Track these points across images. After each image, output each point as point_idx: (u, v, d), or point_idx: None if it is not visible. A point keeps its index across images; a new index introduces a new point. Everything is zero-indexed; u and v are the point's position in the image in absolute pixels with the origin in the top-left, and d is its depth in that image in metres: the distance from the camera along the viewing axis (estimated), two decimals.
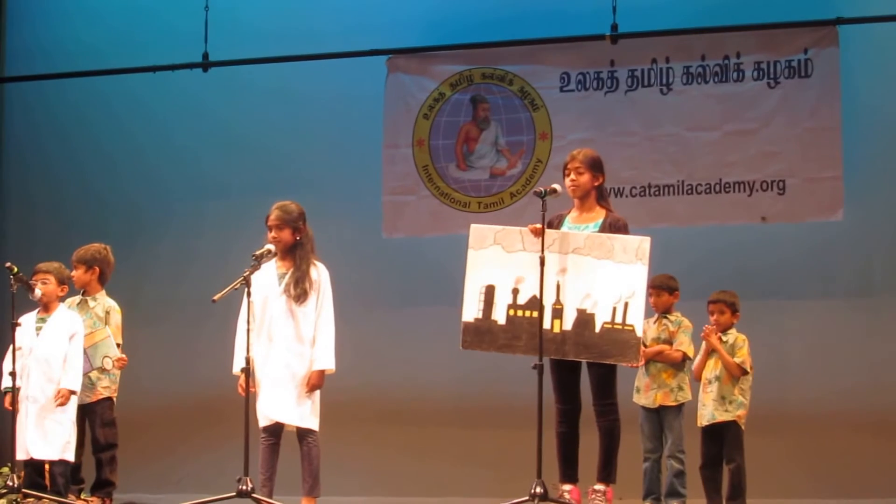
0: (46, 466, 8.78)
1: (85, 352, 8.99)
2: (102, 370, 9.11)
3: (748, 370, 8.75)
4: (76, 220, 11.70)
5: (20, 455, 8.64)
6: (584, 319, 7.53)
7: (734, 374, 8.69)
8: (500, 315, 7.70)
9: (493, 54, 11.13)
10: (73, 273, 9.26)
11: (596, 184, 7.89)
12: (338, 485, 9.46)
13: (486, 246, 7.84)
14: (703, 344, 8.85)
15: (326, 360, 8.26)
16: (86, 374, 8.99)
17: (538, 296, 7.52)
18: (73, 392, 8.72)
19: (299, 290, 8.25)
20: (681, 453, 8.80)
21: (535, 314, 7.56)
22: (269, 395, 8.22)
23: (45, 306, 8.89)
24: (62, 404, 8.66)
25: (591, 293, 7.53)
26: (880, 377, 10.22)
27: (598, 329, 7.50)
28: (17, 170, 12.28)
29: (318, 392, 8.29)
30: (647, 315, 8.59)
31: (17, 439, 8.62)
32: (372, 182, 11.18)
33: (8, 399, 8.71)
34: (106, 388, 9.13)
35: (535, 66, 11.01)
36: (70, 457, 8.70)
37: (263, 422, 8.25)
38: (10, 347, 8.68)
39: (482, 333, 7.74)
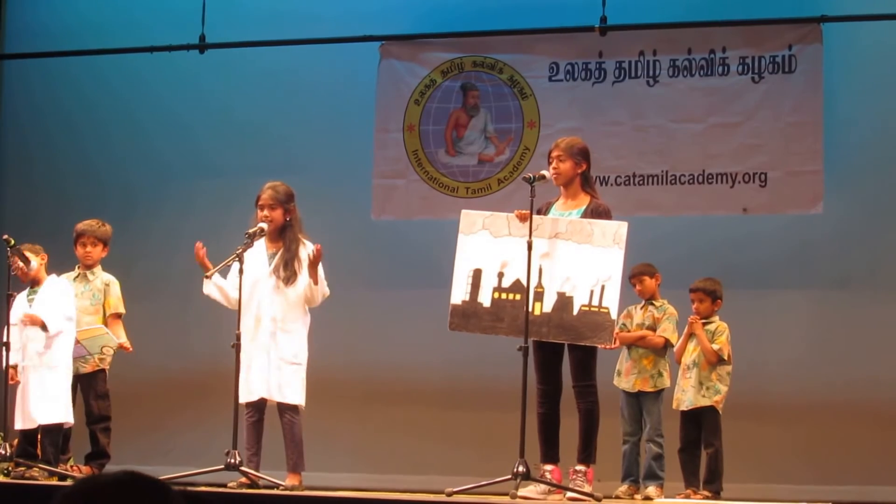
0: (38, 437, 8.89)
1: (80, 343, 9.11)
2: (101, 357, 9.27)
3: (725, 358, 8.92)
4: (74, 195, 11.73)
5: (26, 424, 8.69)
6: (564, 302, 7.66)
7: (710, 360, 8.85)
8: (485, 298, 7.84)
9: (484, 43, 11.18)
10: (91, 250, 9.37)
11: (579, 171, 8.00)
12: (324, 461, 9.62)
13: (475, 231, 7.98)
14: (686, 328, 9.04)
15: (321, 279, 8.41)
16: (81, 357, 9.14)
17: (521, 279, 7.69)
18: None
19: (289, 271, 8.39)
20: (659, 437, 8.94)
21: (518, 297, 7.72)
22: (254, 373, 8.36)
23: (35, 280, 8.96)
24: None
25: (571, 277, 7.67)
26: (858, 367, 10.31)
27: (576, 311, 7.65)
28: (16, 146, 12.31)
29: (303, 370, 8.40)
30: (625, 301, 8.76)
31: (17, 410, 8.72)
32: (363, 165, 11.24)
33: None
34: (102, 359, 9.28)
35: (524, 55, 11.05)
36: (70, 419, 8.76)
37: (249, 398, 8.39)
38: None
39: (468, 316, 7.90)
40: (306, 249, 8.45)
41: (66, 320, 8.80)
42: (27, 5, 12.42)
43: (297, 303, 8.43)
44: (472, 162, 11.15)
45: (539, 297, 7.69)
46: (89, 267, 9.39)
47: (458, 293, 7.93)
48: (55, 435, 8.76)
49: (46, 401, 8.67)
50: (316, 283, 8.33)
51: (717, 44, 10.61)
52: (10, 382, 8.85)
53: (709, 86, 10.64)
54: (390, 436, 11.01)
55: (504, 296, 7.81)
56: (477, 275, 7.89)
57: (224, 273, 8.38)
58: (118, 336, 9.28)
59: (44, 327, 8.68)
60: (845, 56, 10.57)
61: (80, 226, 9.44)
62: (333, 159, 11.41)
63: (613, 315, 7.63)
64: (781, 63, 10.46)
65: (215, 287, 8.45)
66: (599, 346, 7.81)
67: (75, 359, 9.05)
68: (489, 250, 7.89)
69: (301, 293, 8.41)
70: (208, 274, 8.23)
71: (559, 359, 7.91)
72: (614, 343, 8.08)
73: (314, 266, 8.31)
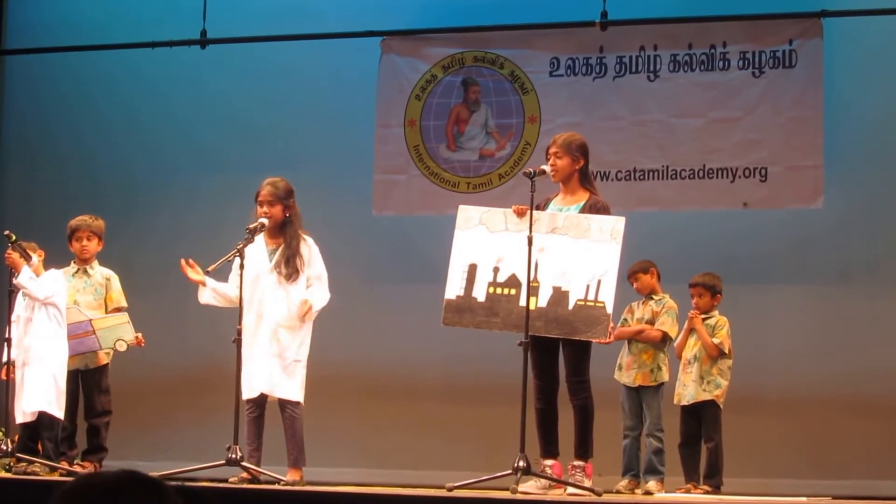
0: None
1: (95, 333, 9.14)
2: (115, 350, 9.29)
3: (726, 352, 8.95)
4: (75, 191, 11.76)
5: (22, 418, 8.76)
6: (559, 296, 7.67)
7: (711, 354, 8.88)
8: (480, 293, 7.85)
9: (485, 38, 11.20)
10: (87, 244, 9.41)
11: (576, 167, 7.99)
12: (325, 456, 9.63)
13: (471, 226, 7.99)
14: (686, 323, 9.06)
15: (318, 300, 8.44)
16: (91, 352, 9.18)
17: (517, 274, 7.70)
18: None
19: (290, 268, 8.40)
20: (659, 432, 8.96)
21: (513, 291, 7.73)
22: (256, 369, 8.38)
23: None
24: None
25: (567, 271, 7.67)
26: (857, 361, 10.31)
27: (571, 306, 7.67)
28: (17, 141, 12.32)
29: (303, 366, 8.42)
30: (624, 297, 8.77)
31: (16, 404, 8.77)
32: (364, 160, 11.26)
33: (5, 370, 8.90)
34: (106, 354, 9.30)
35: (525, 50, 11.06)
36: (57, 412, 8.72)
37: (250, 394, 8.41)
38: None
39: (462, 311, 7.90)
40: (307, 246, 8.47)
41: (55, 296, 8.79)
42: (29, 1, 12.43)
43: (298, 299, 8.44)
44: (473, 157, 11.16)
45: (534, 291, 7.68)
46: (86, 261, 9.42)
47: (453, 288, 7.94)
48: (54, 430, 8.78)
49: (34, 392, 8.67)
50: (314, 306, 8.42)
51: (718, 39, 10.61)
52: (4, 378, 8.86)
53: (709, 81, 10.65)
54: (391, 431, 11.02)
55: (499, 290, 7.81)
56: (472, 270, 7.90)
57: (225, 269, 8.40)
58: None
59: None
60: (846, 51, 10.57)
61: (74, 221, 9.48)
62: (334, 154, 11.43)
63: (609, 309, 7.63)
64: (782, 58, 10.47)
65: (212, 294, 8.47)
66: (594, 341, 7.81)
67: (84, 354, 9.09)
68: (485, 245, 7.90)
69: (301, 290, 8.42)
70: (209, 269, 8.23)
71: (554, 355, 7.91)
72: (609, 338, 8.11)
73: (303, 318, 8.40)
